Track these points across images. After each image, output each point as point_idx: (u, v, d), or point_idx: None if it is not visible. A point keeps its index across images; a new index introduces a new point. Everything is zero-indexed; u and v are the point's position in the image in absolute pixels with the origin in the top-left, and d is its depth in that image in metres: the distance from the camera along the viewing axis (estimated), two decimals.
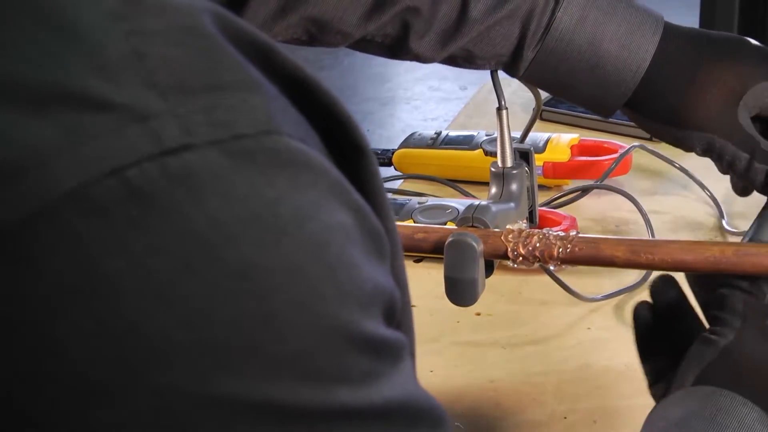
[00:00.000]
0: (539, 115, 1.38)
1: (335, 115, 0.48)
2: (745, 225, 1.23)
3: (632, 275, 1.16)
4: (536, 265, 0.81)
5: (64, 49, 0.43)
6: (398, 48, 0.84)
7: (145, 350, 0.41)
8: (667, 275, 0.79)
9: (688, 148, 0.84)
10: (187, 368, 0.42)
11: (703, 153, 0.84)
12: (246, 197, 0.42)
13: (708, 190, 1.28)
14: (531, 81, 0.86)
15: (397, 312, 0.50)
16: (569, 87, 0.85)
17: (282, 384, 0.43)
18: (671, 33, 0.83)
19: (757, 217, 0.83)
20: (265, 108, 0.44)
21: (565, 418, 0.97)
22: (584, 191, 1.29)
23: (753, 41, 0.84)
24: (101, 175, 0.41)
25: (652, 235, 1.20)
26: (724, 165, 0.83)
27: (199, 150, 0.42)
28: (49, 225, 0.41)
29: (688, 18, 2.74)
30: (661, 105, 0.83)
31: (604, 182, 1.30)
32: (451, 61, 0.85)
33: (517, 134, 1.02)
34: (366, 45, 0.85)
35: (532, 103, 0.98)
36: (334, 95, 0.48)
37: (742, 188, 0.87)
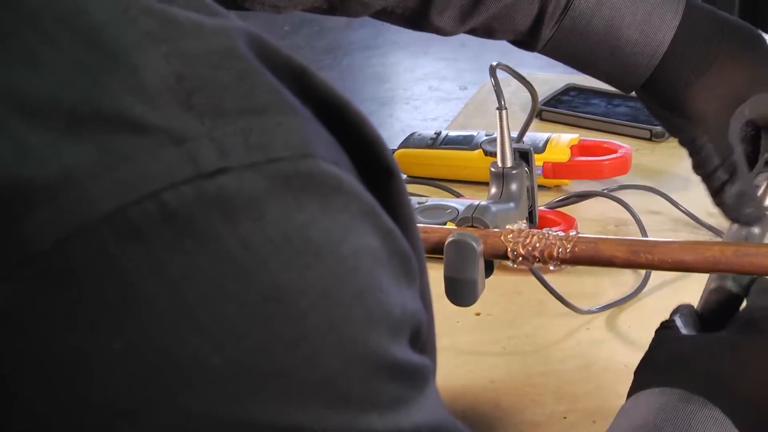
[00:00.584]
0: (538, 114, 1.38)
1: (365, 137, 0.48)
2: None
3: (631, 276, 1.16)
4: (535, 266, 0.81)
5: (101, 70, 0.43)
6: (419, 20, 0.84)
7: (176, 373, 0.41)
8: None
9: (675, 135, 0.85)
10: (217, 392, 0.42)
11: (685, 144, 0.85)
12: (278, 221, 0.42)
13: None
14: (551, 55, 0.87)
15: (422, 334, 0.50)
16: (587, 64, 0.85)
17: (311, 409, 0.43)
18: (691, 16, 0.83)
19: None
20: (300, 131, 0.44)
21: (565, 418, 0.97)
22: (580, 197, 1.30)
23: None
24: (137, 199, 0.41)
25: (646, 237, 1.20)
26: (696, 162, 0.84)
27: (235, 173, 0.42)
28: (85, 247, 0.40)
29: None
30: (667, 91, 0.84)
31: (602, 183, 1.30)
32: (471, 32, 0.86)
33: (517, 134, 1.02)
34: (387, 15, 0.85)
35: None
36: (365, 116, 0.48)
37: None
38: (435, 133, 1.40)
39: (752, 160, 0.87)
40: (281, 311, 0.42)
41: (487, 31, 0.85)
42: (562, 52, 0.85)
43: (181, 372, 0.41)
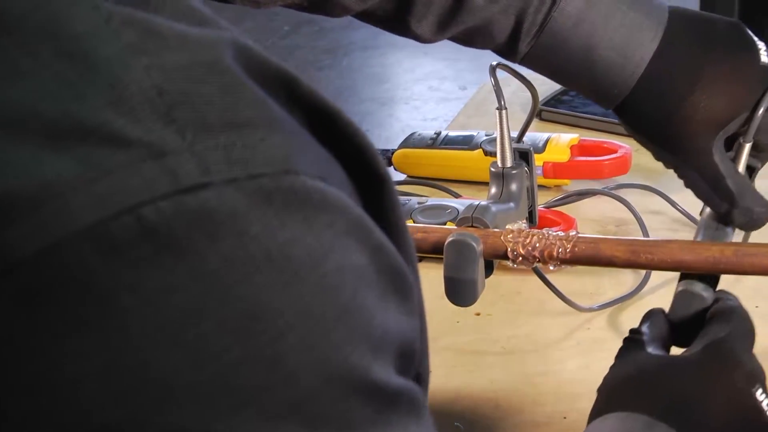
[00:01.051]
0: (538, 114, 1.38)
1: (356, 145, 0.48)
2: None
3: (631, 275, 1.16)
4: (536, 265, 0.81)
5: (82, 82, 0.42)
6: (398, 26, 0.84)
7: (155, 390, 0.41)
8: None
9: (657, 159, 0.84)
10: (195, 409, 0.41)
11: (673, 169, 0.83)
12: (259, 238, 0.42)
13: None
14: (529, 68, 0.86)
15: (416, 354, 0.49)
16: (566, 80, 0.85)
17: (288, 428, 0.43)
18: (672, 37, 0.81)
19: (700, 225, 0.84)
20: (284, 146, 0.43)
21: (565, 418, 0.97)
22: (580, 195, 1.30)
23: (762, 50, 0.82)
24: (116, 213, 0.40)
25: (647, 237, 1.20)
26: (687, 185, 0.83)
27: (216, 189, 0.41)
28: (63, 260, 0.40)
29: None
30: (646, 115, 0.82)
31: (602, 183, 1.30)
32: (452, 40, 0.85)
33: (516, 133, 1.02)
34: (368, 18, 0.85)
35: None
36: (356, 125, 0.48)
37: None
38: (435, 133, 1.40)
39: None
40: (260, 329, 0.42)
41: (466, 41, 0.85)
42: (540, 67, 0.84)
43: (159, 389, 0.41)
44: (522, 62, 0.84)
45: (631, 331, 0.77)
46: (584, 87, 0.83)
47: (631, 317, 1.09)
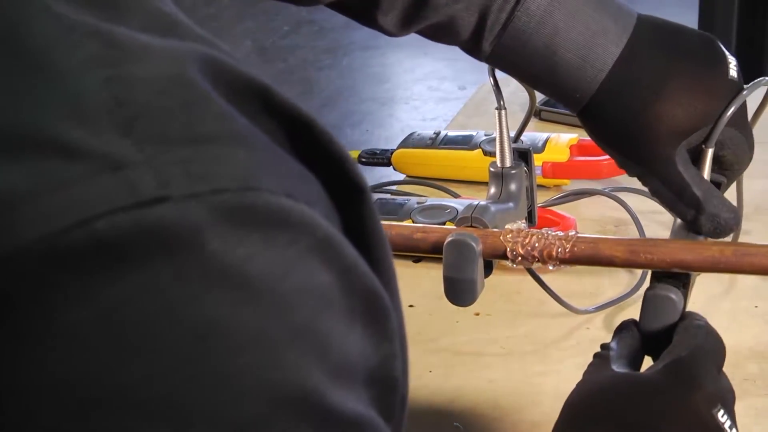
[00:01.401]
0: (538, 114, 1.38)
1: (333, 154, 0.47)
2: (743, 225, 1.23)
3: (630, 276, 1.16)
4: (535, 265, 0.81)
5: (39, 93, 0.41)
6: (366, 18, 0.84)
7: (100, 408, 0.40)
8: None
9: (620, 167, 0.83)
10: (139, 427, 0.40)
11: (636, 177, 0.82)
12: (216, 254, 0.41)
13: None
14: (496, 66, 0.85)
15: (398, 382, 0.48)
16: (529, 81, 0.84)
17: None
18: (638, 44, 0.80)
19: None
20: (247, 163, 0.42)
21: None
22: (577, 195, 1.30)
23: (731, 64, 0.81)
24: (68, 226, 0.39)
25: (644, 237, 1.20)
26: (652, 193, 0.82)
27: (175, 203, 0.40)
28: (12, 273, 0.39)
29: (688, 18, 2.74)
30: (608, 123, 0.81)
31: (601, 183, 1.30)
32: (420, 34, 0.85)
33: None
34: (338, 7, 0.84)
35: None
36: (330, 134, 0.47)
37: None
38: (434, 133, 1.40)
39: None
40: (210, 348, 0.40)
41: (433, 36, 0.84)
42: (505, 66, 0.83)
43: (105, 406, 0.40)
44: (488, 61, 0.84)
45: (602, 346, 0.77)
46: (548, 88, 0.82)
47: (631, 317, 1.09)
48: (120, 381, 0.40)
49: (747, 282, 1.14)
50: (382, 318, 0.46)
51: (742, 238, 1.20)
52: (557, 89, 0.82)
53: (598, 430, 0.70)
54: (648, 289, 0.79)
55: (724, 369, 0.75)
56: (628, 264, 0.79)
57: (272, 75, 3.91)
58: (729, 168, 0.84)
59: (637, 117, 0.79)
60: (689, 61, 0.80)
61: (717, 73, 0.80)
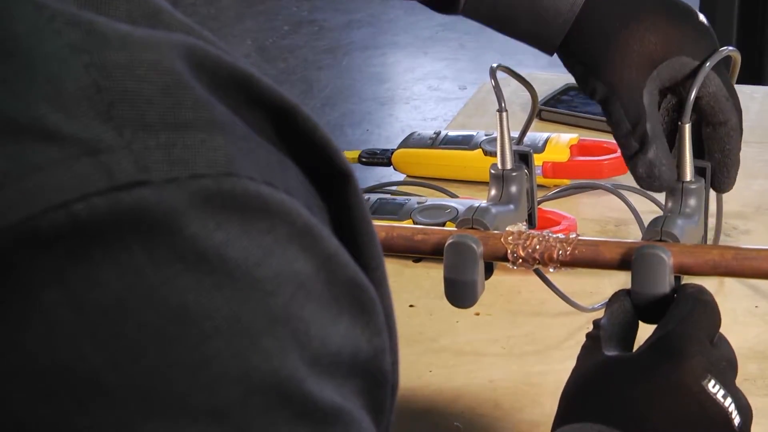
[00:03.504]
0: (538, 114, 1.38)
1: (317, 141, 0.47)
2: (743, 225, 1.24)
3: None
4: (536, 266, 0.82)
5: (17, 78, 0.41)
6: None
7: (71, 391, 0.40)
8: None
9: (591, 96, 0.85)
10: (111, 414, 0.40)
11: (599, 103, 0.84)
12: (194, 238, 0.41)
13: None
14: (470, 16, 0.86)
15: (387, 376, 0.47)
16: (508, 20, 0.85)
17: None
18: None
19: None
20: (226, 149, 0.43)
21: None
22: (578, 189, 1.30)
23: (701, 16, 0.85)
24: (46, 208, 0.39)
25: None
26: (609, 125, 0.84)
27: (155, 187, 0.40)
28: None
29: None
30: (584, 49, 0.84)
31: (601, 182, 1.31)
32: None
33: (517, 134, 1.02)
34: None
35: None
36: (315, 121, 0.47)
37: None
38: (434, 133, 1.40)
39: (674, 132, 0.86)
40: (183, 333, 0.41)
41: None
42: (481, 13, 0.84)
43: (75, 390, 0.40)
44: (463, 12, 0.85)
45: (594, 323, 0.77)
46: (529, 22, 0.84)
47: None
48: (92, 363, 0.40)
49: (747, 282, 1.14)
50: (369, 310, 0.46)
51: (742, 238, 1.20)
52: (537, 25, 0.84)
53: (594, 418, 0.69)
54: (637, 250, 0.79)
55: None
56: (628, 267, 0.79)
57: (272, 75, 3.91)
58: (710, 120, 0.85)
59: (612, 38, 0.82)
60: None
61: (687, 11, 0.84)
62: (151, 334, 0.40)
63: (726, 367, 0.72)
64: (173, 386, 0.41)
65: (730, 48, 0.87)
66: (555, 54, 0.87)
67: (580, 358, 0.75)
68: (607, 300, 1.11)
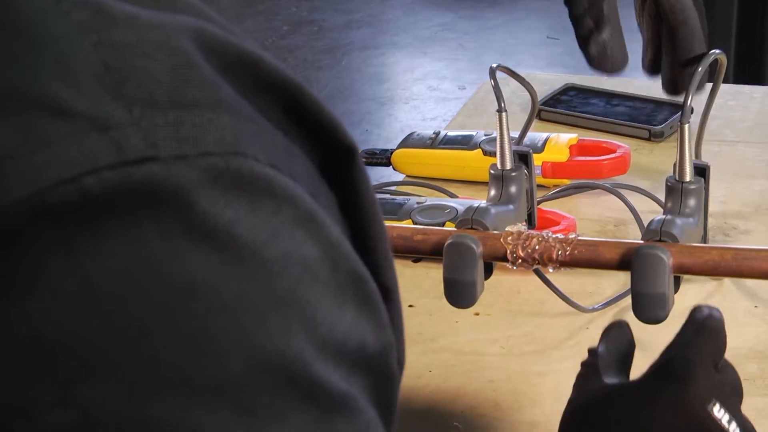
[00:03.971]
0: (537, 114, 1.38)
1: (323, 119, 0.47)
2: (743, 225, 1.24)
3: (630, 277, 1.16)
4: (535, 266, 0.82)
5: (27, 56, 0.42)
6: None
7: (77, 359, 0.40)
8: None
9: None
10: (117, 387, 0.40)
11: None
12: (203, 215, 0.41)
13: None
14: None
15: (394, 380, 0.47)
16: None
17: (216, 414, 0.41)
18: None
19: None
20: (234, 129, 0.43)
21: None
22: (577, 189, 1.30)
23: None
24: (57, 182, 0.40)
25: None
26: (567, 3, 0.83)
27: (164, 163, 0.41)
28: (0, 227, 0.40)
29: None
30: None
31: (600, 182, 1.31)
32: None
33: (516, 134, 1.03)
34: None
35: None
36: (320, 100, 0.47)
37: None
38: (434, 133, 1.40)
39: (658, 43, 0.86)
40: (190, 308, 0.41)
41: None
42: None
43: (81, 361, 0.40)
44: None
45: (589, 351, 0.76)
46: None
47: (631, 318, 1.10)
48: (99, 335, 0.40)
49: (747, 282, 1.14)
50: (372, 303, 0.46)
51: (742, 238, 1.20)
52: None
53: None
54: (636, 250, 0.79)
55: None
56: (628, 267, 0.79)
57: None
58: (667, 14, 0.85)
59: None
60: None
61: None
62: (158, 307, 0.40)
63: (731, 392, 0.72)
64: (179, 361, 0.41)
65: (717, 51, 0.87)
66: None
67: (578, 387, 0.75)
68: (607, 300, 1.11)
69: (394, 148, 1.41)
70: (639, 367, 1.02)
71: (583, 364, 0.75)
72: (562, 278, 1.10)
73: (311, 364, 0.43)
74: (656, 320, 0.76)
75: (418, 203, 1.23)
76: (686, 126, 0.83)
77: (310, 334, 0.43)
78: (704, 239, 0.92)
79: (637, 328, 1.06)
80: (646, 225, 1.21)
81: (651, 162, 1.35)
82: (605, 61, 0.83)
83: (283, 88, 0.46)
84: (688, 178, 0.86)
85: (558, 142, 1.33)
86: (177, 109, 0.42)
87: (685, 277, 0.84)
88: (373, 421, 0.46)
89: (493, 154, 0.94)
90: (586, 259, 0.80)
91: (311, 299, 0.43)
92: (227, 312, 0.41)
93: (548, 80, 1.55)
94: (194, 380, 0.41)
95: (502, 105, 0.92)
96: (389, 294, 0.49)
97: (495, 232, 0.84)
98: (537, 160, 1.28)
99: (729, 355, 0.75)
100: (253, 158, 0.43)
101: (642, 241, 0.82)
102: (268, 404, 0.42)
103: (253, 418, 0.42)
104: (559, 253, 0.80)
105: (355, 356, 0.45)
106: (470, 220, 0.85)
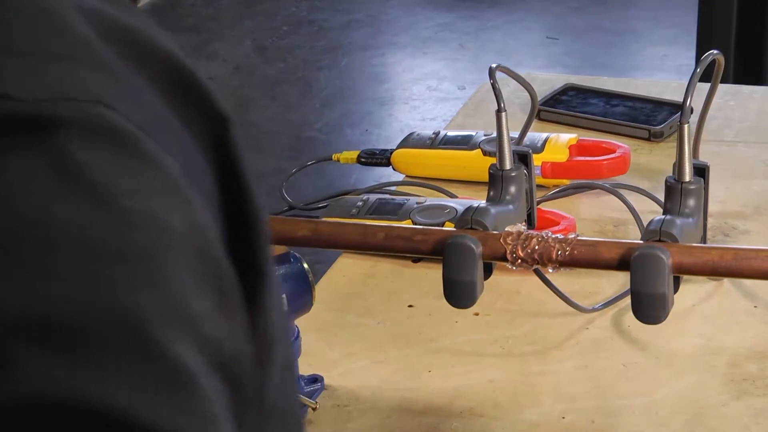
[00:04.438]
0: (537, 114, 1.38)
1: (202, 92, 0.47)
2: (743, 225, 1.24)
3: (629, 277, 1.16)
4: (535, 266, 0.82)
5: None
6: None
7: None
8: None
9: None
10: None
11: None
12: (59, 153, 0.40)
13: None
14: None
15: (243, 383, 0.44)
16: None
17: (40, 355, 0.38)
18: None
19: None
20: (102, 85, 0.43)
21: (563, 417, 0.97)
22: (577, 189, 1.30)
23: None
24: None
25: None
26: None
27: (20, 103, 0.41)
28: None
29: (687, 18, 2.74)
30: None
31: (599, 182, 1.31)
32: None
33: (516, 134, 1.03)
34: None
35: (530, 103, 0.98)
36: (199, 73, 0.47)
37: None
38: (434, 133, 1.41)
39: None
40: (28, 238, 0.39)
41: None
42: None
43: None
44: None
45: None
46: None
47: (631, 318, 1.09)
48: None
49: (747, 282, 1.14)
50: (234, 308, 0.44)
51: (741, 238, 1.20)
52: None
53: None
54: (636, 250, 0.79)
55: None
56: (627, 268, 0.79)
57: (271, 75, 3.92)
58: None
59: None
60: None
61: None
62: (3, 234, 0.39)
63: None
64: (9, 292, 0.39)
65: (715, 52, 0.87)
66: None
67: None
68: (607, 300, 1.11)
69: (394, 148, 1.41)
70: (640, 367, 1.03)
71: None
72: (561, 278, 1.10)
73: (155, 329, 0.40)
74: (656, 320, 0.76)
75: (417, 203, 1.23)
76: (686, 126, 0.84)
77: (160, 299, 0.40)
78: (704, 239, 0.92)
79: (637, 328, 1.06)
80: (645, 225, 1.22)
81: (650, 162, 1.35)
82: None
83: (171, 64, 0.46)
84: (687, 178, 0.86)
85: (558, 142, 1.33)
86: (42, 59, 0.42)
87: (685, 277, 0.84)
88: (219, 410, 0.42)
89: (492, 154, 0.94)
90: (585, 259, 0.80)
91: (166, 266, 0.41)
92: (65, 250, 0.39)
93: (548, 80, 1.55)
94: (24, 315, 0.38)
95: (502, 105, 0.92)
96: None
97: (495, 232, 0.84)
98: (537, 160, 1.28)
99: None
100: (121, 114, 0.42)
101: (641, 242, 0.82)
102: (96, 355, 0.39)
103: (74, 364, 0.38)
104: (559, 253, 0.80)
105: (210, 348, 0.42)
106: (470, 220, 0.85)
